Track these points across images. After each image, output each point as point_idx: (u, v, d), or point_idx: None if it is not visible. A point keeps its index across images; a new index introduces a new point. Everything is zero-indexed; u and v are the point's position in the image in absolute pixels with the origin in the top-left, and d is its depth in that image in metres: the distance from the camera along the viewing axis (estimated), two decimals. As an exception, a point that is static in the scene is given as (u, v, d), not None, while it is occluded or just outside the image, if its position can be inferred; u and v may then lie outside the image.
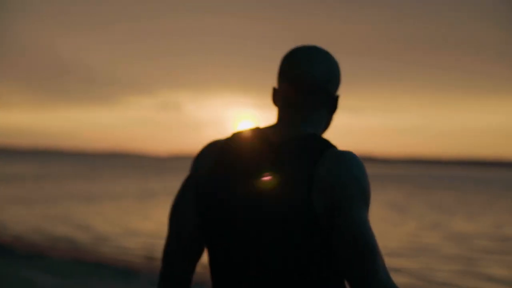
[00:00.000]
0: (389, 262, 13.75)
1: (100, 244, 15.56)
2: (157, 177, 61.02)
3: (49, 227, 18.41)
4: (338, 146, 2.21)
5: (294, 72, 2.21)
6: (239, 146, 2.18)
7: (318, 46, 2.28)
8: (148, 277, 10.82)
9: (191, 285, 2.21)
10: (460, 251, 15.79)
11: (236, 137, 2.21)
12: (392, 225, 21.44)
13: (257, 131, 2.20)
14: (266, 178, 2.11)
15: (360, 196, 2.04)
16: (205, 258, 13.84)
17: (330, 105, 2.26)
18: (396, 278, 11.92)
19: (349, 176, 2.04)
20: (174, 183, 49.02)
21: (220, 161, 2.18)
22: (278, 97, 2.26)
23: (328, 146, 2.12)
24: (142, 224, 20.03)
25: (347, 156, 2.08)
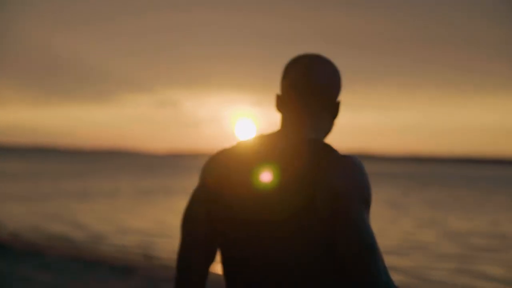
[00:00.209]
0: (385, 260, 13.79)
1: (97, 242, 15.59)
2: (154, 175, 61.02)
3: (46, 225, 18.44)
4: (336, 144, 2.30)
5: (297, 80, 2.30)
6: (245, 154, 2.26)
7: (320, 54, 2.35)
8: (145, 274, 10.84)
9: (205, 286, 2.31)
10: (456, 249, 15.82)
11: (241, 145, 2.29)
12: (388, 223, 21.47)
13: (262, 138, 2.28)
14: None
15: (360, 198, 2.12)
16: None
17: (332, 111, 2.34)
18: (392, 276, 11.95)
19: (351, 179, 2.13)
20: (171, 181, 49.04)
21: (228, 170, 2.27)
22: (282, 104, 2.34)
23: (330, 150, 2.20)
24: (139, 222, 20.06)
25: (349, 160, 2.16)
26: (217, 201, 2.27)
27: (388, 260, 13.66)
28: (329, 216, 2.12)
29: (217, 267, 8.66)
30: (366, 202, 2.13)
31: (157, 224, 19.62)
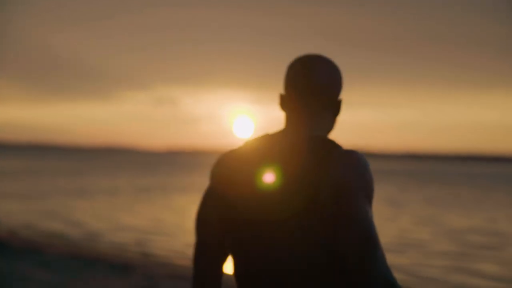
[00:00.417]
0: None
1: (96, 239, 15.60)
2: (152, 173, 60.97)
3: (44, 223, 18.45)
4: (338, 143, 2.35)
5: (300, 79, 2.34)
6: (248, 155, 2.31)
7: (321, 54, 2.40)
8: (144, 272, 10.85)
9: (221, 286, 2.39)
10: (453, 247, 15.80)
11: (248, 145, 2.34)
12: (386, 220, 21.46)
13: (267, 137, 2.33)
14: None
15: (363, 191, 2.16)
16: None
17: (334, 109, 2.39)
18: (392, 272, 11.96)
19: (354, 174, 2.17)
20: (169, 179, 49.00)
21: (232, 170, 2.32)
22: (285, 103, 2.38)
23: (334, 146, 2.25)
24: (137, 219, 20.07)
25: (353, 155, 2.20)
26: (224, 202, 2.33)
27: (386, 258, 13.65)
28: (332, 211, 2.16)
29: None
30: (369, 196, 2.18)
31: (155, 222, 19.63)
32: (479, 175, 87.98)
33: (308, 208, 2.18)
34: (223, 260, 2.39)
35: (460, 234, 18.55)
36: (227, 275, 5.25)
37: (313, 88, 2.33)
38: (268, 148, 2.30)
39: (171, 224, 19.12)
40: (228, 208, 2.32)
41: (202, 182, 45.44)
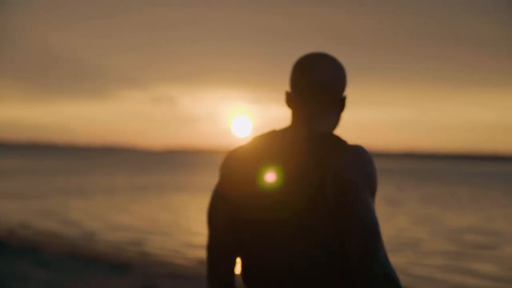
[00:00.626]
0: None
1: (93, 239, 15.60)
2: (150, 172, 60.93)
3: (43, 222, 18.44)
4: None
5: (305, 77, 2.36)
6: (259, 149, 2.34)
7: (325, 53, 2.42)
8: (143, 271, 10.85)
9: (234, 280, 2.41)
10: (449, 246, 15.79)
11: (255, 141, 2.37)
12: (383, 219, 21.45)
13: (274, 133, 2.36)
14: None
15: (366, 184, 2.19)
16: (201, 253, 13.92)
17: (337, 106, 2.41)
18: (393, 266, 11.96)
19: (358, 168, 2.20)
20: (167, 178, 48.98)
21: (236, 169, 2.35)
22: (291, 100, 2.41)
23: (339, 141, 2.28)
24: (135, 219, 20.07)
25: (357, 150, 2.23)
26: (226, 201, 2.36)
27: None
28: (336, 202, 2.19)
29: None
30: (372, 190, 2.20)
31: (153, 221, 19.63)
32: (477, 174, 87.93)
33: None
34: (236, 253, 2.39)
35: (457, 233, 18.51)
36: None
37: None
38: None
39: (169, 223, 19.11)
40: (230, 208, 2.35)
41: (200, 181, 45.42)
